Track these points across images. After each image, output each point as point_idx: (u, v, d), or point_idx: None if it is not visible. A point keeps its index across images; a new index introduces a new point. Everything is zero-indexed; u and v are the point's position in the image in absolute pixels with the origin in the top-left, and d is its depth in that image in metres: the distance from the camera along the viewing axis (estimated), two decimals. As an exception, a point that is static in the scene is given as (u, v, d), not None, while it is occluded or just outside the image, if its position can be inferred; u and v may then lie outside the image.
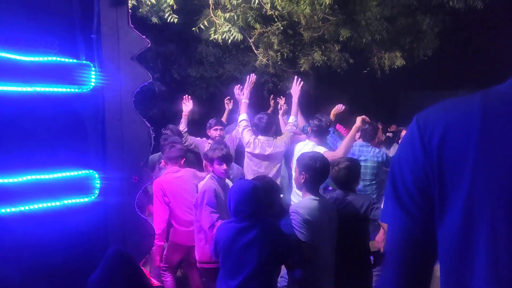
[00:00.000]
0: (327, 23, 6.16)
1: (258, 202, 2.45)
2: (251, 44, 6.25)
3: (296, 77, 4.61)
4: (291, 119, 4.39)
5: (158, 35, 6.93)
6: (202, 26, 5.12)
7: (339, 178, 3.06)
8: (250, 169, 4.19)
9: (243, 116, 4.29)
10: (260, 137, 4.20)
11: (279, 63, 6.72)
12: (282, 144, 4.23)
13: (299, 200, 2.83)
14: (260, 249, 2.37)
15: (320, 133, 4.14)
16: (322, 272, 2.72)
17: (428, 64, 7.40)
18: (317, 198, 2.76)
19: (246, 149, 4.20)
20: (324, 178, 2.88)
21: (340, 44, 6.52)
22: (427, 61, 6.94)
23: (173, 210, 3.53)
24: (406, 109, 12.79)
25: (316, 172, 2.74)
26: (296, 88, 4.44)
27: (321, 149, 3.88)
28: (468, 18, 6.55)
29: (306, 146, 4.08)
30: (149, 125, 2.44)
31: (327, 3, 5.04)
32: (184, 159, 3.79)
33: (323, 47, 6.63)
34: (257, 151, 4.15)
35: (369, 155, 4.23)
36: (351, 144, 3.97)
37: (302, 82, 4.50)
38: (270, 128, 4.27)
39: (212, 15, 5.06)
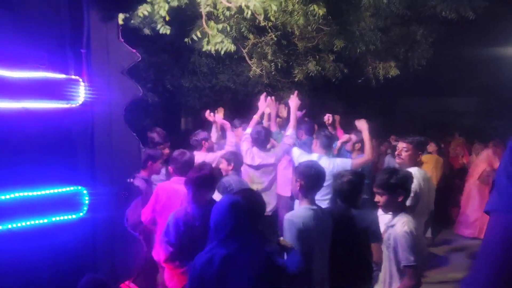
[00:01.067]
0: (321, 33, 6.22)
1: (239, 221, 2.07)
2: (245, 54, 6.29)
3: (296, 91, 4.71)
4: (289, 131, 4.45)
5: (150, 46, 6.96)
6: (194, 37, 5.15)
7: (342, 191, 3.05)
8: (248, 179, 4.35)
9: (248, 130, 4.55)
10: (254, 148, 4.40)
11: (273, 73, 6.77)
12: (272, 157, 4.38)
13: (298, 211, 2.83)
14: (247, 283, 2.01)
15: (329, 146, 4.35)
16: (314, 284, 2.71)
17: (422, 73, 7.49)
18: (313, 207, 2.78)
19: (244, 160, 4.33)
20: (319, 185, 2.91)
21: (335, 54, 6.59)
22: (421, 70, 7.02)
23: (157, 221, 3.43)
24: (402, 118, 12.89)
25: (310, 180, 2.78)
26: (293, 100, 4.52)
27: (347, 161, 4.16)
28: (460, 27, 6.65)
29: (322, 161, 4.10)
30: (138, 139, 2.44)
31: (321, 14, 5.10)
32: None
33: (317, 57, 6.69)
34: (248, 162, 4.35)
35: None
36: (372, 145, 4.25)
37: (298, 94, 4.62)
38: (265, 141, 4.45)
39: (205, 26, 5.09)
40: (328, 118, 5.14)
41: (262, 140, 4.39)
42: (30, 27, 2.21)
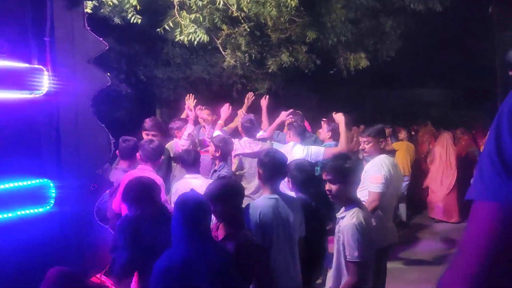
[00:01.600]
0: (294, 24, 6.21)
1: (199, 224, 1.96)
2: (219, 45, 6.21)
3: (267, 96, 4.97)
4: (260, 133, 4.64)
5: (122, 36, 6.77)
6: (167, 27, 5.04)
7: (294, 179, 3.03)
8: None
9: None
10: (245, 138, 4.44)
11: (247, 64, 6.72)
12: (258, 145, 4.47)
13: (260, 200, 2.74)
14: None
15: (303, 134, 4.49)
16: (278, 275, 2.58)
17: (392, 65, 7.62)
18: (273, 196, 2.66)
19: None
20: (279, 174, 2.79)
21: (307, 45, 6.59)
22: (391, 62, 7.14)
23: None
24: (373, 108, 13.13)
25: (267, 168, 2.69)
26: (264, 102, 4.96)
27: (321, 149, 4.30)
28: (428, 19, 6.78)
29: (298, 148, 4.29)
30: (107, 130, 2.37)
31: (293, 5, 5.08)
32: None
33: (290, 48, 6.68)
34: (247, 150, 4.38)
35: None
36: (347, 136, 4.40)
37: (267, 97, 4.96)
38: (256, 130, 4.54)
39: (177, 15, 4.98)
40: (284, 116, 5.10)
41: (254, 128, 4.48)
42: (-11, 14, 2.10)
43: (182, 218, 1.93)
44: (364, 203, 3.36)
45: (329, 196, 2.55)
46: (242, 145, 4.40)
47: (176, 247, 1.94)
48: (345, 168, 2.45)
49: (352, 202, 2.48)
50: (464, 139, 7.38)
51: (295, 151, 4.24)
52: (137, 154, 3.44)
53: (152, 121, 4.38)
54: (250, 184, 4.22)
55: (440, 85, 12.30)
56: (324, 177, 2.53)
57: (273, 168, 2.70)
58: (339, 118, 4.39)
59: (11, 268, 2.06)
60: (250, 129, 4.46)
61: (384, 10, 6.45)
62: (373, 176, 3.37)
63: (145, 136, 4.41)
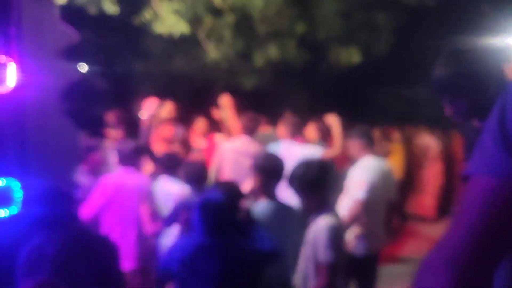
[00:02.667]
0: (282, 17, 6.26)
1: (212, 218, 2.23)
2: (201, 38, 6.24)
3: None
4: None
5: (98, 28, 6.75)
6: (146, 18, 5.05)
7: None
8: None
9: None
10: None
11: (232, 58, 6.75)
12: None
13: (260, 208, 2.70)
14: (214, 273, 2.17)
15: (297, 131, 4.41)
16: (273, 280, 2.69)
17: (385, 62, 7.72)
18: (272, 202, 2.71)
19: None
20: (277, 179, 2.79)
21: (297, 39, 6.64)
22: (384, 58, 7.24)
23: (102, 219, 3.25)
24: (366, 107, 13.26)
25: (268, 173, 2.69)
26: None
27: (318, 150, 4.16)
28: (422, 15, 6.91)
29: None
30: (75, 127, 2.39)
31: (280, -4, 5.13)
32: None
33: (278, 42, 6.72)
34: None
35: None
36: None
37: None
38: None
39: (157, 6, 5.00)
40: None
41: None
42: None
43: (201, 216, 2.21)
44: (346, 210, 3.39)
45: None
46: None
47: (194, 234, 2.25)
48: (310, 181, 2.43)
49: (323, 208, 2.47)
50: (458, 141, 7.58)
51: (291, 150, 4.21)
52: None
53: (116, 115, 4.36)
54: None
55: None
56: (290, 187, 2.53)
57: (274, 173, 2.69)
58: (333, 121, 4.33)
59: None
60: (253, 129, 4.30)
61: (377, 4, 6.55)
62: (357, 181, 3.35)
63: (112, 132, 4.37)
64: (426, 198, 7.25)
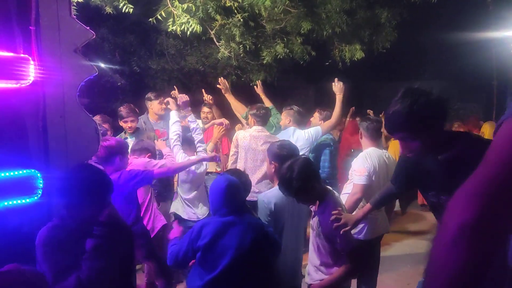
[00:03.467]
0: (289, 15, 6.15)
1: (235, 198, 2.38)
2: (213, 36, 6.15)
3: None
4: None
5: (115, 26, 6.70)
6: (159, 17, 4.98)
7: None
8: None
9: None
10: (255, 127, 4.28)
11: (241, 55, 6.66)
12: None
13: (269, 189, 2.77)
14: (240, 244, 2.28)
15: (301, 121, 4.62)
16: (285, 266, 2.65)
17: (387, 57, 7.58)
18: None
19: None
20: None
21: (302, 36, 6.54)
22: (386, 53, 7.10)
23: None
24: (370, 100, 13.09)
25: (284, 160, 2.65)
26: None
27: (317, 127, 4.49)
28: (424, 11, 6.74)
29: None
30: (94, 120, 2.35)
31: (287, -4, 5.03)
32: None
33: (285, 39, 6.62)
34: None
35: None
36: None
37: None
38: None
39: (169, 5, 4.92)
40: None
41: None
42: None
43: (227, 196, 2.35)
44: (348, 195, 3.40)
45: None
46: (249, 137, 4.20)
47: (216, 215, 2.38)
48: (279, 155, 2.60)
49: (325, 195, 2.51)
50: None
51: (298, 136, 4.31)
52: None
53: (126, 108, 4.54)
54: (252, 177, 4.07)
55: (435, 77, 12.29)
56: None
57: (286, 159, 2.62)
58: (338, 88, 4.54)
59: (-3, 259, 2.05)
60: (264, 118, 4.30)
61: (380, 1, 6.40)
62: (357, 168, 3.38)
63: (123, 124, 4.50)
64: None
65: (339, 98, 4.49)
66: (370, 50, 6.71)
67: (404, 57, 10.07)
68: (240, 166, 4.16)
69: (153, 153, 3.92)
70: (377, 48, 6.73)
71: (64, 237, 1.92)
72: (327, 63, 7.06)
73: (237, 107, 4.97)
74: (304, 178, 2.38)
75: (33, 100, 2.18)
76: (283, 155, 2.75)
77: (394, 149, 6.52)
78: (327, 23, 6.10)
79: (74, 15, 2.43)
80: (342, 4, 6.02)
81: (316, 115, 4.91)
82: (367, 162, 3.39)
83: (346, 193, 3.48)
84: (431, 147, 1.79)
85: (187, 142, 4.06)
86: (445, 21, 9.19)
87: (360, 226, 3.35)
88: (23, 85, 2.15)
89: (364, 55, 6.36)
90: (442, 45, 10.21)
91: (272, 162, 2.79)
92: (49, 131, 2.21)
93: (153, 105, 4.96)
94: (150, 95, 5.06)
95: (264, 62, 6.67)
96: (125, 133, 4.65)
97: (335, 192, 2.66)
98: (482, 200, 0.69)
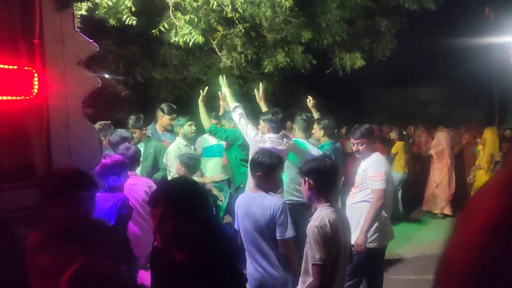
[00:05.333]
0: (289, 25, 6.18)
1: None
2: (214, 46, 6.19)
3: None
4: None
5: (119, 38, 6.76)
6: (162, 29, 5.01)
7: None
8: None
9: (235, 103, 4.17)
10: (270, 135, 3.92)
11: (243, 64, 6.69)
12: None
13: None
14: None
15: (308, 129, 4.60)
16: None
17: (388, 65, 7.60)
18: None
19: (255, 146, 3.78)
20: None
21: (303, 45, 6.57)
22: (387, 61, 7.11)
23: None
24: (370, 108, 13.10)
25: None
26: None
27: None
28: (423, 19, 6.77)
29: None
30: (97, 131, 2.35)
31: (287, 6, 5.05)
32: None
33: (286, 48, 6.65)
34: (268, 145, 3.75)
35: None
36: None
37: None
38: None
39: (172, 17, 4.95)
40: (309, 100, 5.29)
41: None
42: (-23, 16, 2.08)
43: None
44: (368, 203, 3.31)
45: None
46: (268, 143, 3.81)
47: None
48: (317, 169, 2.32)
49: (323, 204, 2.33)
50: (465, 137, 7.47)
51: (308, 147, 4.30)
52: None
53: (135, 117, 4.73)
54: None
55: (436, 84, 12.29)
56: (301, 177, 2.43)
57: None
58: (312, 104, 5.20)
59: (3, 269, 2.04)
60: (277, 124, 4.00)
61: (379, 9, 6.43)
62: (375, 173, 3.29)
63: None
64: (432, 192, 7.15)
65: (314, 111, 5.01)
66: (371, 58, 6.72)
67: (405, 65, 10.09)
68: None
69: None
70: (377, 56, 6.74)
71: None
72: (328, 71, 7.07)
73: (204, 118, 4.71)
74: (329, 177, 2.34)
75: (37, 112, 2.19)
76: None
77: (396, 149, 6.79)
78: (327, 32, 6.13)
79: (78, 28, 2.45)
80: (342, 13, 6.05)
81: (316, 126, 4.88)
82: (382, 165, 3.34)
83: (363, 200, 3.38)
84: None
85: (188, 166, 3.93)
86: (445, 28, 9.21)
87: (374, 235, 3.31)
88: (27, 97, 2.16)
89: (364, 63, 6.37)
90: (442, 51, 10.22)
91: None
92: (53, 142, 2.21)
93: (164, 119, 5.02)
94: (164, 107, 5.13)
95: (266, 71, 6.70)
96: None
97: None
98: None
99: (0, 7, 2.13)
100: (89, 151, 2.35)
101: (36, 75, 2.16)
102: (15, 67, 2.13)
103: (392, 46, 6.65)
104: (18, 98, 2.13)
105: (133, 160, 3.54)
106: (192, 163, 3.92)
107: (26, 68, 2.16)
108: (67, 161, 2.26)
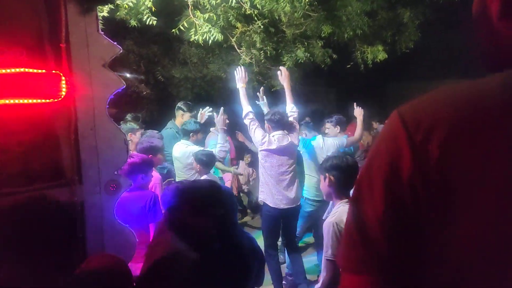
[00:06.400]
0: (309, 19, 6.13)
1: None
2: (234, 43, 6.20)
3: (280, 69, 4.68)
4: (290, 107, 4.44)
5: (140, 38, 6.85)
6: (181, 28, 5.06)
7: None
8: (272, 170, 4.13)
9: (247, 108, 4.25)
10: (274, 133, 4.18)
11: (262, 61, 6.69)
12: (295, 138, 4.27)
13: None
14: None
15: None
16: None
17: (411, 57, 7.43)
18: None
19: (261, 147, 4.11)
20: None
21: (323, 40, 6.50)
22: (410, 53, 6.96)
23: None
24: (393, 102, 12.86)
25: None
26: (281, 78, 4.61)
27: (343, 138, 4.66)
28: (447, 10, 6.57)
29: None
30: (123, 132, 2.40)
31: (306, 0, 5.01)
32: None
33: (305, 43, 6.60)
34: (274, 146, 4.09)
35: None
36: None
37: (285, 71, 4.63)
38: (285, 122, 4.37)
39: (191, 15, 4.99)
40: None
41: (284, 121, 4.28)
42: (7, 23, 2.14)
43: None
44: None
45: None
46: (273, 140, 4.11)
47: None
48: (339, 166, 2.42)
49: (342, 200, 2.39)
50: None
51: (322, 142, 4.59)
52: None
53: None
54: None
55: (463, 76, 11.95)
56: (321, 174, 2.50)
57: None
58: (358, 113, 4.99)
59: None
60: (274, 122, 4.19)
61: (401, 0, 6.29)
62: None
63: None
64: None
65: (360, 119, 4.90)
66: (393, 50, 6.59)
67: (428, 57, 9.85)
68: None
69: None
70: (400, 48, 6.60)
71: None
72: (349, 66, 6.97)
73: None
74: (350, 174, 2.39)
75: (65, 114, 2.24)
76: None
77: None
78: (348, 25, 6.04)
79: (101, 30, 2.49)
80: (363, 5, 5.95)
81: (329, 125, 5.03)
82: None
83: None
84: None
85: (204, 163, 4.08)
86: (467, 18, 8.92)
87: None
88: (56, 100, 2.21)
89: (387, 56, 6.26)
90: (467, 43, 9.91)
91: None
92: (81, 143, 2.26)
93: (185, 117, 5.12)
94: (182, 106, 5.21)
95: (285, 67, 6.66)
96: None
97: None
98: None
99: (29, 14, 2.19)
100: (115, 151, 2.39)
101: (63, 78, 2.21)
102: (44, 71, 2.18)
103: (415, 38, 6.50)
104: (47, 101, 2.19)
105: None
106: (207, 159, 4.03)
107: (54, 71, 2.21)
108: (94, 161, 2.31)
